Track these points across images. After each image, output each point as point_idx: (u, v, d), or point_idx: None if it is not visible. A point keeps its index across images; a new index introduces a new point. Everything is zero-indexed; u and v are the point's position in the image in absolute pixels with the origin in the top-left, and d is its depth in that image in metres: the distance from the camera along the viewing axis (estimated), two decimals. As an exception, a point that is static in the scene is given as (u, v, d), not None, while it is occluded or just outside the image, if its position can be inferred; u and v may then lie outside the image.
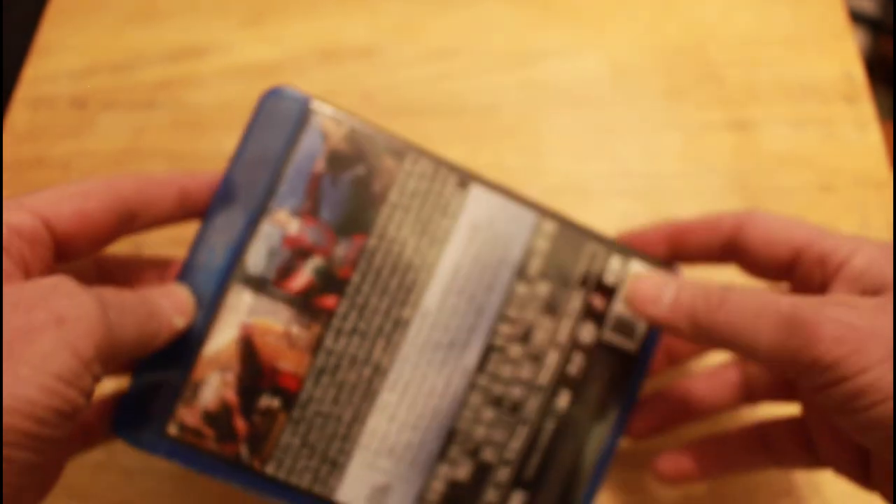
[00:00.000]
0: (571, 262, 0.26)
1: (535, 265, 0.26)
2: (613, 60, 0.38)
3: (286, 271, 0.24)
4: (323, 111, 0.24)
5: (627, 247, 0.27)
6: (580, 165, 0.36)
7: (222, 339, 0.24)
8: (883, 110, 0.36)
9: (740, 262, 0.25)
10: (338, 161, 0.24)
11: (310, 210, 0.24)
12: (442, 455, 0.25)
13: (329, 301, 0.24)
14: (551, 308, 0.26)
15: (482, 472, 0.25)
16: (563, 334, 0.26)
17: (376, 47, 0.39)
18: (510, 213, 0.26)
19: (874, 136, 0.36)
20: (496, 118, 0.37)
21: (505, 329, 0.25)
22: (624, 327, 0.26)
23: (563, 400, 0.26)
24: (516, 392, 0.25)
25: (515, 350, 0.25)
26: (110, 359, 0.18)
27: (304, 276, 0.24)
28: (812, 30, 0.39)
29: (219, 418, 0.23)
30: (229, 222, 0.24)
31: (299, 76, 0.39)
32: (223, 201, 0.24)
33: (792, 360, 0.20)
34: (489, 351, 0.25)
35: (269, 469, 0.24)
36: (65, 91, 0.39)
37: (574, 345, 0.26)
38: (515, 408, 0.25)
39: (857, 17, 1.04)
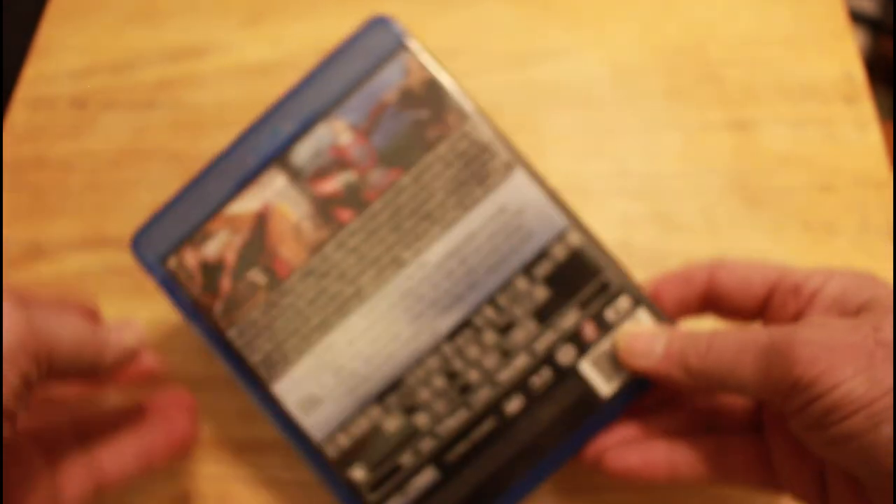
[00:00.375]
0: (580, 282, 0.26)
1: (544, 268, 0.26)
2: (613, 60, 0.38)
3: (322, 173, 0.26)
4: (414, 52, 0.27)
5: (641, 292, 0.26)
6: (580, 165, 0.36)
7: (244, 206, 0.26)
8: (883, 110, 0.36)
9: (717, 309, 0.26)
10: (408, 98, 0.26)
11: (365, 130, 0.26)
12: (379, 398, 0.25)
13: (345, 215, 0.26)
14: (542, 315, 0.25)
15: (408, 433, 0.25)
16: (542, 345, 0.25)
17: (376, 47, 0.39)
18: (543, 209, 0.26)
19: (874, 136, 0.36)
20: (496, 118, 0.37)
21: (489, 313, 0.25)
22: (605, 368, 0.25)
23: (513, 405, 0.25)
24: (473, 376, 0.25)
25: (490, 337, 0.25)
26: (44, 356, 0.19)
27: (334, 183, 0.26)
28: (812, 30, 0.39)
29: (212, 271, 0.26)
30: (293, 113, 0.26)
31: (299, 76, 0.39)
32: (295, 95, 0.26)
33: (775, 388, 0.20)
34: (465, 325, 0.25)
35: (231, 333, 0.26)
36: (65, 91, 0.39)
37: (548, 359, 0.25)
38: (465, 390, 0.25)
39: (857, 17, 1.04)
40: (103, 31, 0.40)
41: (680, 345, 0.23)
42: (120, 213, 0.35)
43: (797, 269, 0.24)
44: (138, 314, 0.33)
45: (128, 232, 0.35)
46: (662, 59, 0.38)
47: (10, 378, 0.18)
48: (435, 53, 0.27)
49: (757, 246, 0.33)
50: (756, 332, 0.22)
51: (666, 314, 0.26)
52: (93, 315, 0.27)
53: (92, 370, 0.22)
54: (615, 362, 0.25)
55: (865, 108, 0.36)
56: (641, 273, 0.33)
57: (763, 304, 0.24)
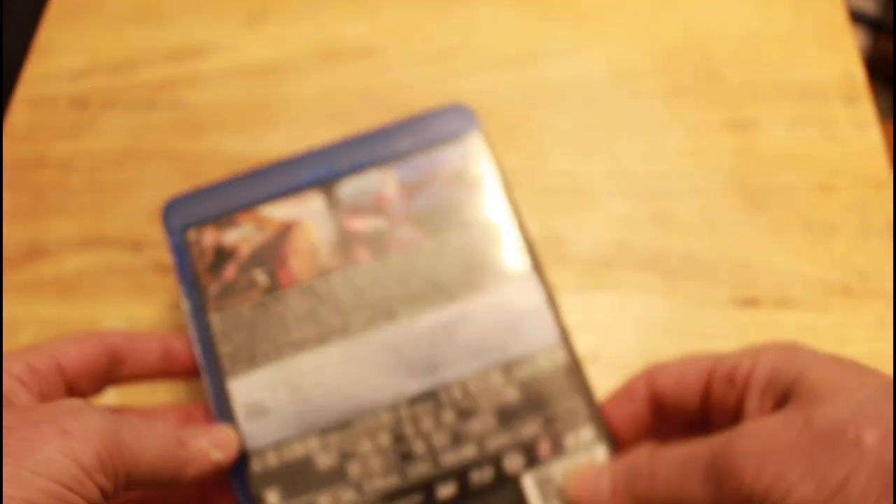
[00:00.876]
0: (552, 399, 0.25)
1: (523, 372, 0.26)
2: (613, 60, 0.38)
3: (357, 210, 0.28)
4: (478, 143, 0.29)
5: (609, 428, 0.25)
6: (580, 165, 0.36)
7: (277, 211, 0.28)
8: (883, 110, 0.36)
9: (663, 412, 0.25)
10: (457, 179, 0.28)
11: (410, 190, 0.28)
12: (322, 432, 0.25)
13: (363, 254, 0.27)
14: (504, 415, 0.25)
15: (335, 477, 0.24)
16: (494, 444, 0.25)
17: (376, 47, 0.39)
18: (541, 319, 0.26)
19: (874, 135, 0.36)
20: (496, 118, 0.37)
21: (456, 393, 0.25)
22: (546, 490, 0.25)
23: (445, 491, 0.24)
24: (418, 447, 0.25)
25: (448, 416, 0.25)
26: (122, 471, 0.19)
27: (364, 224, 0.27)
28: (812, 29, 0.39)
29: (223, 255, 0.27)
30: (356, 151, 0.28)
31: (299, 76, 0.39)
32: (365, 138, 0.29)
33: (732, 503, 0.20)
34: (429, 397, 0.25)
35: (214, 316, 0.26)
36: (65, 91, 0.39)
37: (494, 460, 0.25)
38: (406, 457, 0.25)
39: (857, 17, 1.04)
40: (103, 30, 0.40)
41: (625, 478, 0.23)
42: (120, 213, 0.35)
43: (727, 355, 0.24)
44: (138, 314, 0.33)
45: (128, 232, 0.35)
46: (662, 59, 0.38)
47: (87, 491, 0.18)
48: (495, 148, 0.29)
49: (757, 246, 0.33)
50: (695, 448, 0.21)
51: (621, 446, 0.25)
52: (189, 415, 0.27)
53: (172, 483, 0.22)
54: (557, 490, 0.24)
55: (865, 108, 0.36)
56: (643, 274, 0.33)
57: (704, 399, 0.24)
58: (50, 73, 0.39)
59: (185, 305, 0.27)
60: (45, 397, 0.22)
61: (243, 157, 0.36)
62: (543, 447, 0.25)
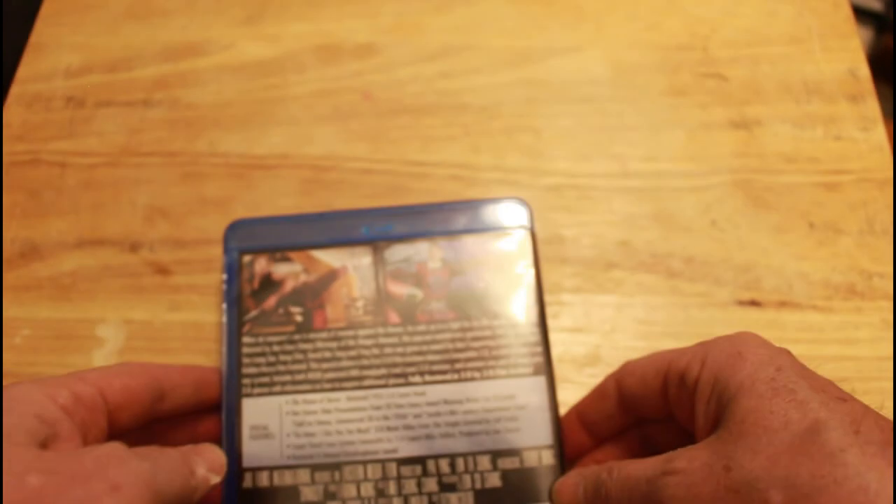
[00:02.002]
0: (530, 496, 0.26)
1: (509, 464, 0.27)
2: (615, 59, 0.38)
3: (399, 276, 0.30)
4: (529, 239, 0.30)
5: None
6: (581, 165, 0.35)
7: (328, 257, 0.30)
8: (884, 110, 0.36)
9: (636, 412, 0.26)
10: (501, 271, 0.30)
11: (452, 270, 0.30)
12: (314, 468, 0.27)
13: (393, 317, 0.29)
14: (481, 498, 0.26)
15: None
16: None
17: (376, 46, 0.39)
18: (541, 419, 0.27)
19: (879, 135, 0.35)
20: (497, 117, 0.37)
21: (443, 466, 0.27)
22: None
23: None
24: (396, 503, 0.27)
25: (431, 485, 0.27)
26: None
27: (402, 289, 0.29)
28: (816, 27, 0.38)
29: (269, 285, 0.29)
30: (413, 222, 0.31)
31: (298, 75, 0.38)
32: (425, 210, 0.31)
33: None
34: (418, 462, 0.27)
35: (246, 339, 0.28)
36: (60, 90, 0.38)
37: None
38: None
39: (861, 13, 1.03)
40: (99, 28, 0.40)
41: (593, 487, 0.24)
42: (116, 213, 0.35)
43: (680, 355, 0.24)
44: (133, 314, 0.32)
45: (124, 232, 0.34)
46: (665, 57, 0.38)
47: None
48: (540, 249, 0.31)
49: (761, 246, 0.33)
50: (637, 475, 0.22)
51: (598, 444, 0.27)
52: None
53: None
54: None
55: (870, 107, 0.36)
56: (644, 275, 0.33)
57: (664, 396, 0.25)
58: (45, 72, 0.39)
59: (224, 322, 0.29)
60: (86, 429, 0.21)
61: (241, 156, 0.36)
62: None
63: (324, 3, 0.40)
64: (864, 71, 0.37)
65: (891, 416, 0.20)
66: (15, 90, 0.38)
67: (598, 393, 0.27)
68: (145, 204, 0.35)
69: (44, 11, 0.41)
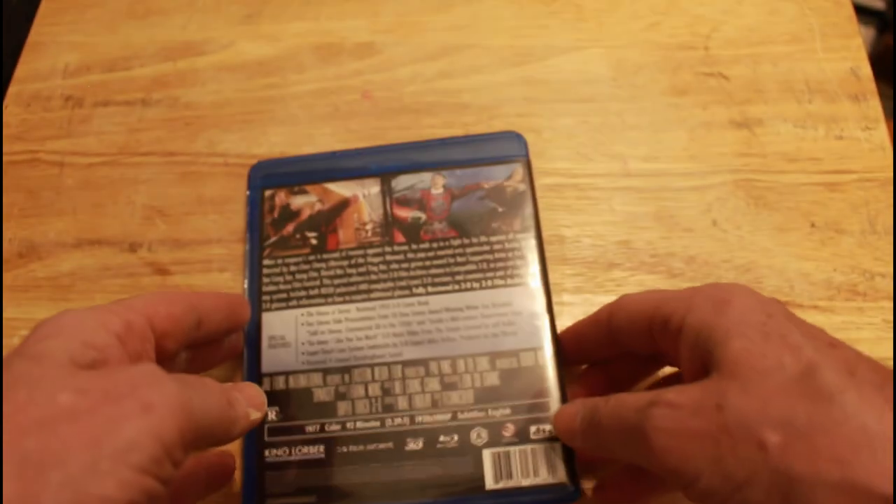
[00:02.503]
0: (527, 393, 0.29)
1: (507, 364, 0.29)
2: (615, 58, 0.38)
3: (404, 202, 0.33)
4: (524, 167, 0.33)
5: None
6: (582, 164, 0.35)
7: (341, 188, 0.33)
8: (885, 110, 0.36)
9: (627, 348, 0.26)
10: (497, 192, 0.33)
11: (453, 194, 0.33)
12: (326, 372, 0.29)
13: (399, 237, 0.32)
14: (481, 395, 0.29)
15: (326, 411, 0.29)
16: (466, 416, 0.28)
17: (376, 45, 0.39)
18: (536, 323, 0.30)
19: (881, 134, 0.35)
20: (497, 117, 0.37)
21: (445, 367, 0.29)
22: (501, 468, 0.27)
23: (413, 444, 0.28)
24: (401, 403, 0.29)
25: (433, 384, 0.29)
26: (192, 442, 0.19)
27: (407, 213, 0.32)
28: (818, 26, 0.38)
29: (287, 214, 0.33)
30: (417, 155, 0.34)
31: (298, 74, 0.38)
32: (427, 145, 0.34)
33: (651, 467, 0.21)
34: (421, 363, 0.29)
35: (266, 261, 0.32)
36: (59, 89, 0.38)
37: (463, 430, 0.28)
38: (388, 409, 0.29)
39: (863, 11, 1.03)
40: (98, 28, 0.40)
41: (589, 415, 0.25)
42: (115, 213, 0.35)
43: (669, 296, 0.24)
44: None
45: (123, 232, 0.34)
46: (666, 57, 0.38)
47: (168, 469, 0.18)
48: (537, 176, 0.33)
49: (762, 246, 0.33)
50: (628, 406, 0.22)
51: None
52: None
53: (218, 444, 0.22)
54: (510, 470, 0.27)
55: (872, 106, 0.36)
56: (645, 275, 0.33)
57: (650, 337, 0.25)
58: (43, 71, 0.39)
59: (246, 249, 0.32)
60: (136, 357, 0.21)
61: (240, 156, 0.36)
62: (508, 431, 0.28)
63: (323, 3, 0.40)
64: (866, 70, 0.37)
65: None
66: (13, 89, 0.38)
67: (592, 320, 0.28)
68: (144, 204, 0.35)
69: (42, 10, 0.40)
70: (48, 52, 0.39)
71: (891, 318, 0.31)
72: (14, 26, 0.41)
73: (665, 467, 0.20)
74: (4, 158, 0.36)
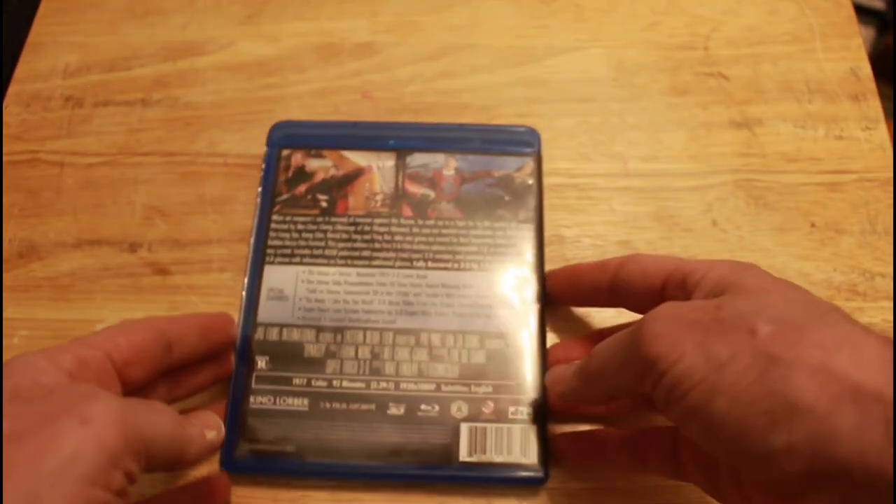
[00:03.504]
0: (511, 374, 0.30)
1: (495, 345, 0.30)
2: (615, 58, 0.38)
3: (416, 178, 0.34)
4: (536, 162, 0.34)
5: (545, 419, 0.29)
6: (582, 164, 0.35)
7: (357, 157, 0.34)
8: (885, 111, 0.36)
9: (624, 298, 0.27)
10: (506, 182, 0.34)
11: (463, 177, 0.34)
12: (319, 329, 0.30)
13: (407, 211, 0.33)
14: (465, 371, 0.30)
15: (314, 366, 0.30)
16: (449, 390, 0.29)
17: (376, 45, 0.39)
18: (525, 307, 0.31)
19: (881, 134, 0.35)
20: (497, 117, 0.37)
21: (435, 340, 0.30)
22: (475, 442, 0.28)
23: (395, 409, 0.29)
24: (388, 368, 0.30)
25: (421, 355, 0.30)
26: (143, 453, 0.19)
27: (417, 189, 0.33)
28: (818, 26, 0.38)
29: (301, 175, 0.34)
30: (436, 136, 0.35)
31: (298, 74, 0.38)
32: (447, 128, 0.35)
33: (634, 369, 0.21)
34: (412, 333, 0.30)
35: (276, 217, 0.33)
36: (59, 89, 0.38)
37: (444, 402, 0.29)
38: (375, 372, 0.30)
39: (863, 11, 1.03)
40: (98, 28, 0.40)
41: (579, 363, 0.26)
42: (115, 213, 0.35)
43: (689, 262, 0.25)
44: (132, 315, 0.32)
45: (123, 232, 0.34)
46: (666, 57, 0.38)
47: (117, 479, 0.18)
48: (545, 174, 0.34)
49: (762, 246, 0.33)
50: (625, 330, 0.23)
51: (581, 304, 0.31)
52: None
53: (176, 464, 0.22)
54: (485, 446, 0.28)
55: (872, 106, 0.36)
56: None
57: (660, 297, 0.25)
58: (43, 71, 0.39)
59: (258, 202, 0.33)
60: None
61: (240, 156, 0.36)
62: (487, 408, 0.29)
63: (323, 2, 0.40)
64: (866, 70, 0.37)
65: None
66: (13, 89, 0.38)
67: (597, 265, 0.28)
68: (144, 204, 0.35)
69: (42, 11, 0.40)
70: (48, 52, 0.39)
71: (891, 318, 0.31)
72: (14, 26, 0.41)
73: (648, 355, 0.21)
74: (4, 158, 0.36)
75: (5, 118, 0.37)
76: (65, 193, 0.35)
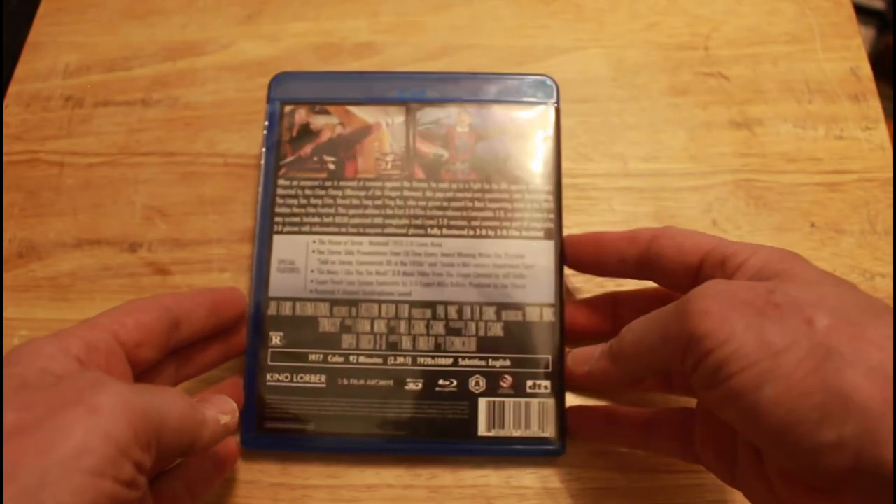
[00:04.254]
0: (529, 348, 0.29)
1: (513, 316, 0.29)
2: (615, 58, 0.38)
3: (428, 136, 0.32)
4: (553, 114, 0.32)
5: (563, 391, 0.29)
6: (582, 164, 0.35)
7: (364, 113, 0.32)
8: (885, 111, 0.36)
9: (654, 272, 0.26)
10: (523, 136, 0.32)
11: (478, 134, 0.32)
12: (333, 303, 0.30)
13: (419, 173, 0.31)
14: (483, 345, 0.29)
15: (330, 342, 0.29)
16: (466, 363, 0.29)
17: (375, 45, 0.39)
18: (546, 279, 0.30)
19: (881, 134, 0.35)
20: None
21: (452, 312, 0.29)
22: (493, 417, 0.28)
23: (412, 385, 0.29)
24: (405, 342, 0.29)
25: (438, 328, 0.29)
26: (154, 441, 0.19)
27: (429, 148, 0.32)
28: (818, 26, 0.38)
29: (306, 134, 0.32)
30: (447, 87, 0.33)
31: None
32: (458, 77, 0.33)
33: (675, 346, 0.21)
34: (429, 306, 0.30)
35: (281, 181, 0.31)
36: (59, 89, 0.38)
37: (462, 376, 0.29)
38: (392, 347, 0.29)
39: (863, 11, 1.03)
40: (98, 28, 0.40)
41: (609, 343, 0.25)
42: (115, 213, 0.35)
43: (729, 242, 0.24)
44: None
45: (123, 232, 0.34)
46: (666, 57, 0.38)
47: (127, 470, 0.18)
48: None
49: (762, 246, 0.33)
50: (667, 305, 0.22)
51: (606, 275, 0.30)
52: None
53: (190, 450, 0.21)
54: (503, 420, 0.28)
55: (872, 106, 0.36)
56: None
57: (695, 275, 0.25)
58: (43, 71, 0.39)
59: (262, 165, 0.31)
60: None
61: (240, 156, 0.36)
62: (505, 382, 0.29)
63: (323, 2, 0.40)
64: (866, 70, 0.37)
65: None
66: (13, 89, 0.38)
67: (629, 235, 0.27)
68: (144, 204, 0.35)
69: (42, 10, 0.40)
70: (48, 52, 0.39)
71: (891, 318, 0.31)
72: (14, 26, 0.41)
73: (695, 332, 0.20)
74: (4, 158, 0.36)
75: (5, 118, 0.37)
76: (65, 193, 0.35)
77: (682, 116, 0.36)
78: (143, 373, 0.24)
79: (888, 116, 0.36)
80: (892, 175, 0.34)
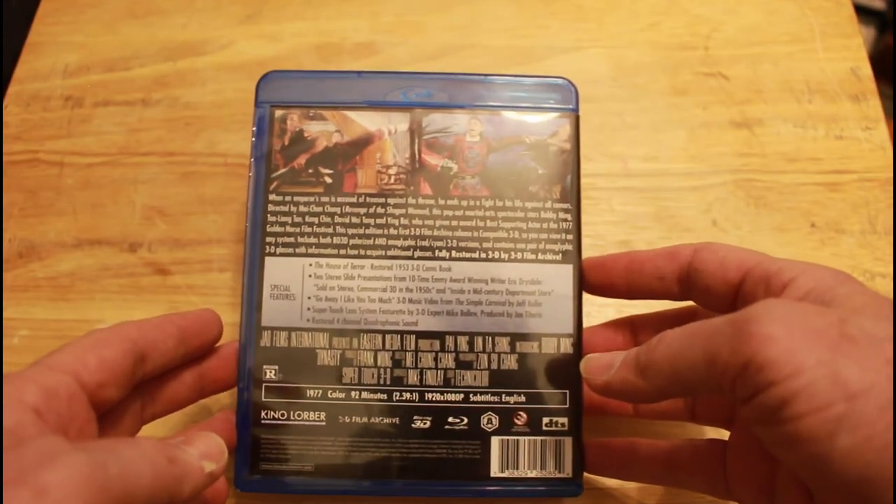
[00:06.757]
0: (544, 382, 0.27)
1: (528, 348, 0.27)
2: (616, 58, 0.38)
3: (434, 146, 0.28)
4: (573, 124, 0.29)
5: (579, 427, 0.27)
6: (582, 164, 0.35)
7: (364, 119, 0.29)
8: (885, 110, 0.36)
9: (694, 292, 0.24)
10: (539, 150, 0.28)
11: (490, 145, 0.28)
12: (332, 333, 0.27)
13: (426, 188, 0.28)
14: (496, 379, 0.27)
15: (330, 375, 0.27)
16: (478, 399, 0.27)
17: (376, 45, 0.39)
18: (564, 308, 0.27)
19: (881, 134, 0.35)
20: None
21: (462, 344, 0.27)
22: (507, 456, 0.27)
23: (420, 423, 0.27)
24: (411, 377, 0.27)
25: (447, 361, 0.27)
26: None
27: (436, 160, 0.28)
28: (818, 26, 0.38)
29: (299, 143, 0.28)
30: (455, 90, 0.29)
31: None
32: (467, 79, 0.29)
33: (725, 367, 0.18)
34: (436, 337, 0.27)
35: (272, 196, 0.28)
36: (59, 89, 0.38)
37: (473, 414, 0.27)
38: (396, 382, 0.27)
39: (863, 11, 1.03)
40: (98, 28, 0.40)
41: (633, 353, 0.22)
42: (115, 213, 0.35)
43: (773, 259, 0.22)
44: (132, 315, 0.32)
45: (123, 232, 0.34)
46: (666, 57, 0.38)
47: None
48: (581, 135, 0.29)
49: (763, 246, 0.33)
50: (712, 319, 0.20)
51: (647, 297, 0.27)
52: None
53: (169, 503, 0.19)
54: (517, 460, 0.26)
55: (872, 106, 0.36)
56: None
57: (737, 291, 0.23)
58: (43, 71, 0.39)
59: (251, 177, 0.28)
60: (64, 423, 0.19)
61: (239, 156, 0.36)
62: (520, 419, 0.27)
63: (323, 2, 0.40)
64: (867, 70, 0.37)
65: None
66: (13, 89, 0.38)
67: (668, 251, 0.25)
68: (144, 204, 0.35)
69: (42, 10, 0.40)
70: (48, 52, 0.39)
71: (891, 318, 0.31)
72: (14, 26, 0.41)
73: (756, 358, 0.17)
74: (4, 158, 0.36)
75: (5, 118, 0.37)
76: (64, 193, 0.35)
77: (682, 116, 0.36)
78: (106, 414, 0.22)
79: (888, 116, 0.36)
80: (892, 175, 0.34)
